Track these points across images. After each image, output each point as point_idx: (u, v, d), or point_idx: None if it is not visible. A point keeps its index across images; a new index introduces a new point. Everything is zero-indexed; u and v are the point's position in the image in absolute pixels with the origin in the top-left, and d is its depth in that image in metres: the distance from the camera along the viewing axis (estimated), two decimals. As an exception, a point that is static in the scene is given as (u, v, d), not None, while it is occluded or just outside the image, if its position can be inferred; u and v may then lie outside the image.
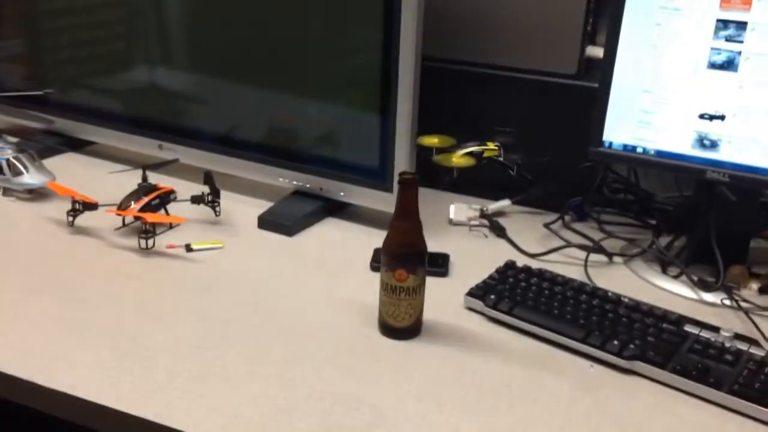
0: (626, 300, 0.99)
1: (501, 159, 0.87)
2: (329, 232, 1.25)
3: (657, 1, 1.05)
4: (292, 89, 1.26)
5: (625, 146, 1.12)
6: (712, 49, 1.03)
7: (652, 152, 1.10)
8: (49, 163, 1.39)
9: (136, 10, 1.40)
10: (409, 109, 1.15)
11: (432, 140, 0.89)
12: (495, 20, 1.28)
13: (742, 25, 1.00)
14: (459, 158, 0.84)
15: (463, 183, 1.32)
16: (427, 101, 1.16)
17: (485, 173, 1.26)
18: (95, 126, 1.48)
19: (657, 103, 1.08)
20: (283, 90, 1.28)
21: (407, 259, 0.92)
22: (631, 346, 0.90)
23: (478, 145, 0.86)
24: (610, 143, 1.12)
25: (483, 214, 1.29)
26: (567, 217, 1.28)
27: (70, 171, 1.40)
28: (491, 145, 0.86)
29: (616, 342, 0.90)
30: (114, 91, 1.47)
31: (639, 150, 1.11)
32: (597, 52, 1.31)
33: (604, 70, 1.11)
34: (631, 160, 1.12)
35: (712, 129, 1.05)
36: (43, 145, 1.47)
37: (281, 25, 1.23)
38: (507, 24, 1.27)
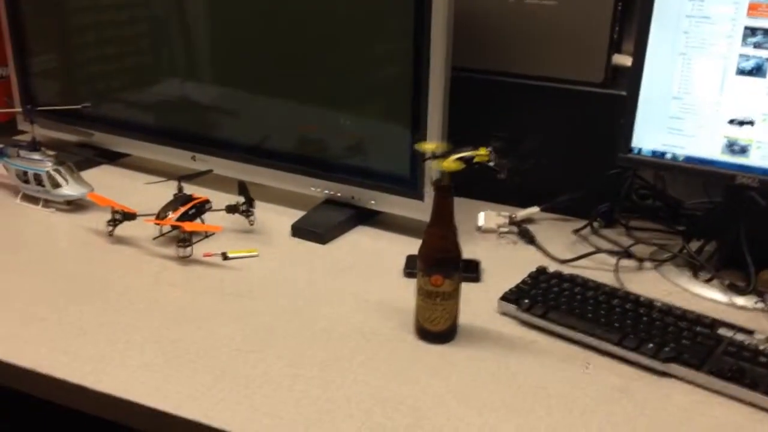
0: (659, 304, 1.01)
1: (491, 164, 0.89)
2: (361, 239, 1.27)
3: (684, 9, 1.07)
4: (323, 100, 1.29)
5: (654, 152, 1.13)
6: (740, 55, 1.04)
7: (682, 158, 1.11)
8: (85, 175, 1.42)
9: (164, 24, 1.43)
10: (440, 118, 1.17)
11: (429, 146, 0.92)
12: (522, 30, 1.29)
13: (770, 32, 1.02)
14: (449, 163, 0.86)
15: (491, 189, 1.34)
16: (453, 110, 1.18)
17: (510, 181, 1.29)
18: (129, 138, 1.51)
19: (686, 109, 1.10)
20: (314, 101, 1.30)
21: (443, 264, 0.94)
22: (666, 348, 0.91)
23: (470, 150, 0.88)
24: (639, 149, 1.14)
25: (512, 221, 1.31)
26: (595, 224, 1.30)
27: (107, 182, 1.43)
28: (483, 150, 0.88)
29: (651, 345, 0.92)
30: (147, 104, 1.50)
31: (668, 156, 1.12)
32: (623, 60, 1.33)
33: (632, 77, 1.12)
34: (661, 166, 1.14)
35: (741, 134, 1.07)
36: (80, 158, 1.51)
37: (310, 36, 1.26)
38: (534, 34, 1.29)
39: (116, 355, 0.93)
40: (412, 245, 1.15)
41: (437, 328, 0.97)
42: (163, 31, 1.44)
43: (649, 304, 1.01)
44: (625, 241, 1.25)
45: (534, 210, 1.33)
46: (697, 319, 0.97)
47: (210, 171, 1.39)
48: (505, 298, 1.04)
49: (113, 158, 1.56)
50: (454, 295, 0.95)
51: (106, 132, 1.54)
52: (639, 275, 1.17)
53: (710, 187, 1.27)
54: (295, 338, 0.98)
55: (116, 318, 1.01)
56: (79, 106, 1.45)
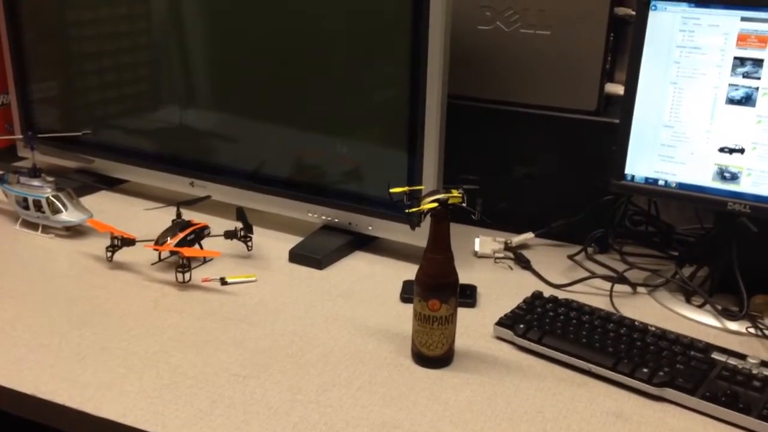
0: (653, 329, 1.02)
1: (464, 205, 0.94)
2: (359, 265, 1.28)
3: (675, 40, 1.09)
4: (320, 126, 1.31)
5: (647, 179, 1.15)
6: (730, 85, 1.07)
7: (674, 185, 1.13)
8: (84, 201, 1.43)
9: (163, 52, 1.45)
10: (436, 144, 1.19)
11: (399, 189, 0.97)
12: (517, 59, 1.32)
13: (758, 63, 1.04)
14: (427, 205, 0.91)
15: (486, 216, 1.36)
16: (448, 137, 1.20)
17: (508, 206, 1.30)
18: (128, 165, 1.53)
19: (677, 137, 1.12)
20: (311, 127, 1.32)
21: (440, 289, 0.95)
22: (661, 373, 0.92)
23: (444, 193, 0.93)
24: (633, 176, 1.16)
25: (507, 247, 1.33)
26: (590, 249, 1.31)
27: (106, 208, 1.44)
28: (455, 193, 0.93)
29: (645, 369, 0.93)
30: (145, 130, 1.52)
31: (661, 183, 1.14)
32: (615, 89, 1.35)
33: (624, 105, 1.14)
34: (654, 192, 1.16)
35: (732, 162, 1.09)
36: (79, 184, 1.52)
37: (307, 62, 1.28)
38: (528, 63, 1.31)
39: (116, 380, 0.94)
40: (409, 270, 1.17)
41: (434, 352, 0.98)
42: (162, 58, 1.46)
43: (644, 328, 1.02)
44: (619, 266, 1.26)
45: (529, 235, 1.35)
46: (691, 344, 0.98)
47: (208, 197, 1.41)
48: (501, 323, 1.05)
49: (112, 184, 1.57)
50: (450, 319, 0.97)
51: (106, 158, 1.55)
52: (633, 300, 1.18)
53: (702, 213, 1.29)
54: (293, 363, 0.99)
55: (115, 343, 1.02)
56: (79, 133, 1.46)
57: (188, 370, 0.96)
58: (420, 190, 1.03)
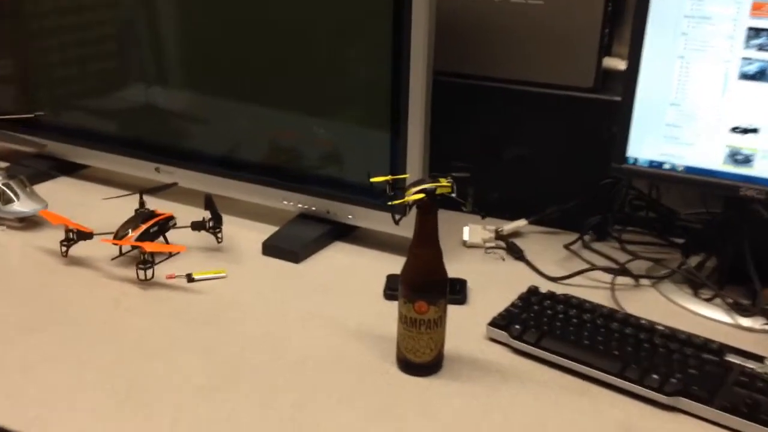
0: (661, 328, 0.93)
1: (454, 195, 0.83)
2: (338, 257, 1.18)
3: (682, 9, 0.99)
4: (296, 106, 1.20)
5: (651, 162, 1.06)
6: (743, 59, 0.97)
7: (681, 168, 1.04)
8: (40, 188, 1.33)
9: (130, 26, 1.33)
10: (421, 125, 1.09)
11: (380, 178, 0.87)
12: (506, 31, 1.22)
13: (775, 33, 0.95)
14: (411, 195, 0.80)
15: (476, 202, 1.27)
16: (434, 118, 1.10)
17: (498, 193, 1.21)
18: (89, 149, 1.42)
19: (685, 116, 1.02)
20: (287, 107, 1.21)
21: (428, 289, 0.86)
22: (673, 380, 0.83)
23: (431, 182, 0.82)
24: (635, 160, 1.07)
25: (499, 236, 1.23)
26: (587, 237, 1.22)
27: (64, 197, 1.34)
28: (444, 182, 0.82)
29: (655, 376, 0.84)
30: (108, 111, 1.40)
31: (667, 166, 1.05)
32: (614, 63, 1.26)
33: (627, 82, 1.05)
34: (658, 177, 1.06)
35: (745, 143, 0.99)
36: (34, 170, 1.41)
37: (284, 38, 1.17)
38: (519, 35, 1.21)
39: (65, 396, 0.84)
40: (393, 263, 1.07)
41: (421, 359, 0.88)
42: (126, 32, 1.34)
43: (651, 328, 0.93)
44: (619, 255, 1.17)
45: (521, 223, 1.25)
46: (704, 345, 0.90)
47: (175, 184, 1.30)
48: (495, 323, 0.96)
49: (72, 170, 1.46)
50: (439, 322, 0.87)
51: (65, 142, 1.44)
52: (636, 293, 1.09)
53: (708, 197, 1.19)
54: (266, 372, 0.89)
55: (67, 351, 0.92)
56: (31, 115, 1.35)
57: (146, 382, 0.86)
58: (404, 179, 0.93)
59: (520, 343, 0.93)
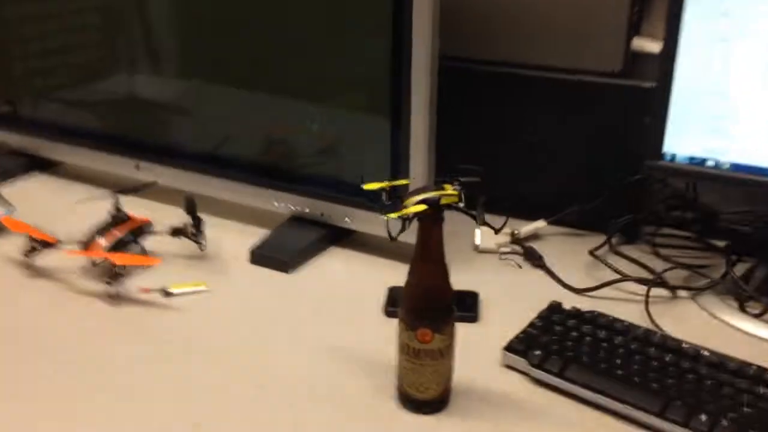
0: (707, 354, 0.80)
1: (462, 205, 0.69)
2: (333, 265, 1.06)
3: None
4: (288, 97, 1.08)
5: (691, 159, 0.92)
6: (799, 40, 0.83)
7: (727, 166, 0.90)
8: (9, 188, 1.23)
9: (110, 10, 1.21)
10: (426, 118, 0.96)
11: (374, 185, 0.73)
12: (522, 10, 1.10)
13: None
14: (412, 207, 0.67)
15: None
16: (444, 107, 0.98)
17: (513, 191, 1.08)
18: (63, 144, 1.30)
19: (731, 107, 0.89)
20: (279, 98, 1.09)
21: (432, 314, 0.73)
22: (724, 422, 0.70)
23: (435, 190, 0.68)
24: (673, 156, 0.93)
25: (515, 239, 1.10)
26: (614, 240, 1.09)
27: (34, 197, 1.23)
28: (450, 189, 0.69)
29: (703, 417, 0.71)
30: (84, 103, 1.29)
31: (710, 163, 0.91)
32: (644, 44, 1.12)
33: (663, 67, 0.91)
34: (701, 175, 0.93)
35: (801, 137, 0.86)
36: (2, 168, 1.30)
37: (275, 20, 1.05)
38: (537, 14, 1.09)
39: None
40: (395, 272, 0.94)
41: (425, 395, 0.75)
42: (106, 17, 1.22)
43: (696, 354, 0.80)
44: (652, 261, 1.04)
45: (540, 224, 1.13)
46: (759, 376, 0.76)
47: (154, 183, 1.18)
48: (511, 347, 0.83)
49: (44, 167, 1.35)
50: (446, 352, 0.74)
51: (37, 136, 1.33)
52: (672, 307, 0.96)
53: (753, 195, 1.06)
54: (247, 407, 0.77)
55: (23, 386, 0.80)
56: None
57: (114, 420, 0.74)
58: (405, 186, 0.79)
59: (541, 372, 0.80)
